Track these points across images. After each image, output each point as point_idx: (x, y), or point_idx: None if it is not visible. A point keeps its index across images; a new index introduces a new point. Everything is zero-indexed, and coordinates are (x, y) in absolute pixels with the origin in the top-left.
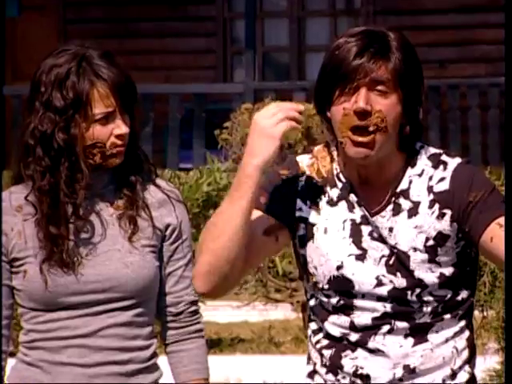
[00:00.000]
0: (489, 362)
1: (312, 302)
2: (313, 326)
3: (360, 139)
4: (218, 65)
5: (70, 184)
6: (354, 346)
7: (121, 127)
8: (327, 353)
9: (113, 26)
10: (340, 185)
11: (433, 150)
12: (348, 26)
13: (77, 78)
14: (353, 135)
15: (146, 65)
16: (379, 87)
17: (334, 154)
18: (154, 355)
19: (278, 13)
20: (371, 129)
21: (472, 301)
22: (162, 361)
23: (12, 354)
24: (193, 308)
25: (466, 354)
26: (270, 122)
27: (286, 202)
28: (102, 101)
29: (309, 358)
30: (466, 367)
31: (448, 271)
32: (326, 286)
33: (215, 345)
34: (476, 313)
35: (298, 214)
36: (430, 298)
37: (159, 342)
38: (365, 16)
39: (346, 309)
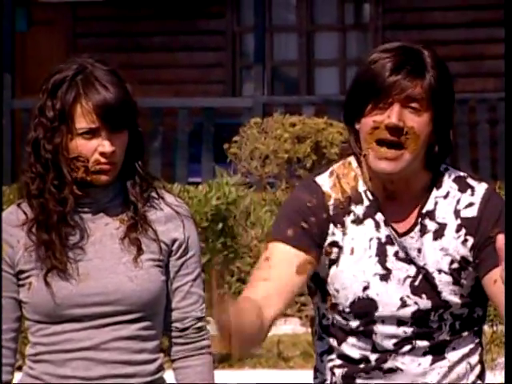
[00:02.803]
0: (498, 378)
1: (324, 322)
2: (323, 344)
3: (388, 154)
4: (227, 79)
5: (58, 192)
6: (370, 367)
7: (104, 145)
8: (339, 372)
9: (122, 40)
10: (367, 202)
11: (457, 173)
12: (357, 40)
13: (66, 89)
14: (378, 147)
15: (155, 79)
16: (413, 104)
17: (358, 170)
18: (160, 369)
19: (287, 27)
20: (404, 145)
21: (485, 317)
22: (169, 375)
23: (19, 368)
24: (199, 324)
25: (478, 369)
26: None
27: (318, 231)
28: (84, 117)
29: (316, 372)
30: (478, 382)
31: (466, 292)
32: (348, 310)
33: (224, 359)
34: (486, 328)
35: (330, 239)
36: (449, 317)
37: (166, 356)
38: (374, 31)
39: (367, 333)
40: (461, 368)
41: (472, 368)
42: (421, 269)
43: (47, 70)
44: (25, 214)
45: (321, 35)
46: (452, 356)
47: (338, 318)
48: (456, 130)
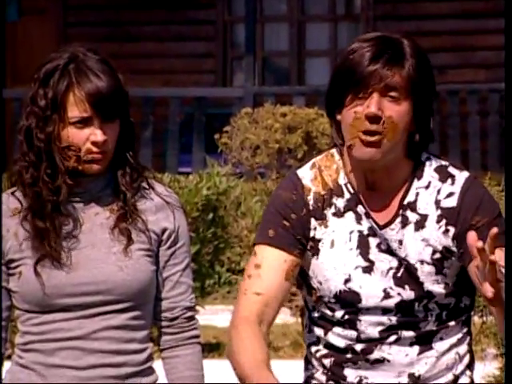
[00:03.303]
0: (488, 368)
1: (312, 314)
2: (312, 336)
3: (369, 139)
4: (218, 69)
5: (51, 181)
6: (357, 357)
7: (96, 134)
8: (327, 361)
9: (113, 30)
10: (347, 195)
11: (439, 162)
12: (348, 31)
13: (58, 77)
14: (363, 135)
15: (146, 68)
16: (392, 93)
17: (340, 162)
18: (150, 359)
19: (278, 17)
20: (381, 132)
21: (472, 307)
22: (159, 365)
23: (9, 357)
24: (189, 314)
25: (467, 358)
26: None
27: (299, 228)
28: (76, 105)
29: (307, 364)
30: (467, 371)
31: (452, 281)
32: (333, 300)
33: (214, 349)
34: (475, 318)
35: (312, 233)
36: (435, 307)
37: (156, 346)
38: (365, 21)
39: (352, 323)
40: (449, 358)
41: (461, 358)
42: (402, 260)
43: (38, 59)
44: (16, 202)
45: (312, 25)
46: (439, 346)
47: (324, 309)
48: (446, 120)
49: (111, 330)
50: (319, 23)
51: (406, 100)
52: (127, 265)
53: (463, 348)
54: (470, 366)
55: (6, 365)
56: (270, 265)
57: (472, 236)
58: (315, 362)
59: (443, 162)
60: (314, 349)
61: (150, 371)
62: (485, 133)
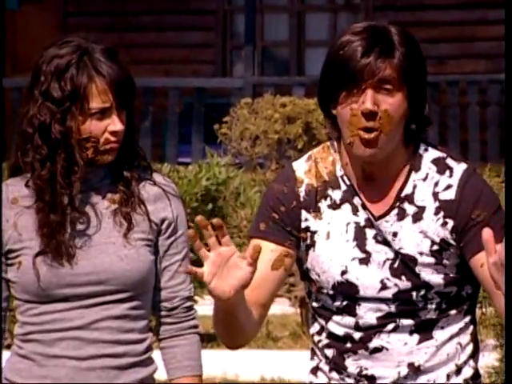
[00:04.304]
0: (487, 359)
1: (315, 304)
2: (315, 326)
3: (366, 136)
4: (218, 59)
5: (66, 175)
6: (356, 346)
7: (116, 124)
8: (329, 352)
9: (113, 20)
10: (344, 187)
11: (437, 154)
12: (348, 21)
13: (76, 70)
14: (361, 132)
15: (146, 58)
16: (386, 86)
17: (336, 154)
18: (149, 349)
19: (278, 7)
20: (377, 128)
21: (476, 295)
22: (157, 355)
23: (9, 347)
24: (188, 303)
25: (470, 348)
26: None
27: (289, 220)
28: (99, 96)
29: (313, 354)
30: (471, 362)
31: (452, 271)
32: (331, 292)
33: (213, 339)
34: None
35: (303, 224)
36: (435, 296)
37: (155, 336)
38: (364, 11)
39: (350, 309)
40: (450, 348)
41: (463, 348)
42: (397, 252)
43: (38, 48)
44: (16, 192)
45: (311, 16)
46: (440, 335)
47: (325, 298)
48: (446, 111)
49: (111, 320)
50: (319, 13)
51: (400, 90)
52: (127, 254)
53: (465, 338)
54: (474, 356)
55: (5, 355)
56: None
57: (487, 233)
58: (318, 352)
59: (441, 154)
60: (316, 338)
61: (150, 361)
62: (484, 124)
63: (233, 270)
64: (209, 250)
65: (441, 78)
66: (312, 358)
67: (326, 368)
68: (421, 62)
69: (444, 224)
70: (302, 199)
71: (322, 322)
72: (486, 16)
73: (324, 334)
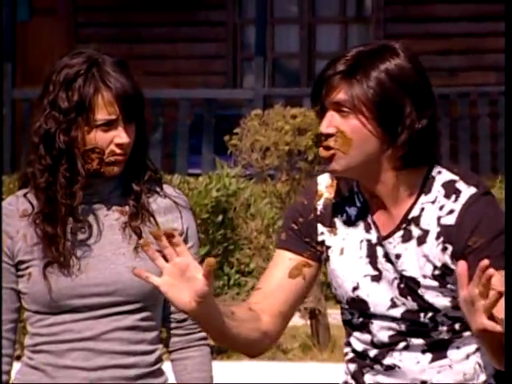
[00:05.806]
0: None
1: (343, 317)
2: (346, 338)
3: (324, 154)
4: (228, 70)
5: (68, 185)
6: (373, 362)
7: (122, 136)
8: (352, 367)
9: (123, 31)
10: (358, 204)
11: (449, 176)
12: (358, 33)
13: (83, 81)
14: (321, 151)
15: (156, 70)
16: (343, 108)
17: None
18: (159, 360)
19: (289, 19)
20: (333, 147)
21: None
22: (168, 367)
23: (18, 358)
24: None
25: (490, 368)
26: None
27: (307, 231)
28: (105, 107)
29: (345, 367)
30: (491, 381)
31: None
32: (346, 306)
33: (222, 351)
34: None
35: (320, 238)
36: (445, 319)
37: (165, 347)
38: (375, 23)
39: (366, 326)
40: (467, 367)
41: (482, 368)
42: (400, 274)
43: (48, 59)
44: (27, 204)
45: (322, 28)
46: (454, 355)
47: (346, 313)
48: (457, 123)
49: (121, 331)
50: (330, 25)
51: (361, 114)
52: (137, 266)
53: (485, 358)
54: (496, 375)
55: (16, 366)
56: (274, 263)
57: (462, 265)
58: (345, 366)
59: (453, 177)
60: (345, 351)
61: (160, 372)
62: (495, 135)
63: (190, 281)
64: (167, 261)
65: (451, 90)
66: (345, 372)
67: (352, 382)
68: (395, 93)
69: (444, 249)
70: (318, 213)
71: (348, 335)
72: (496, 28)
73: (349, 348)
